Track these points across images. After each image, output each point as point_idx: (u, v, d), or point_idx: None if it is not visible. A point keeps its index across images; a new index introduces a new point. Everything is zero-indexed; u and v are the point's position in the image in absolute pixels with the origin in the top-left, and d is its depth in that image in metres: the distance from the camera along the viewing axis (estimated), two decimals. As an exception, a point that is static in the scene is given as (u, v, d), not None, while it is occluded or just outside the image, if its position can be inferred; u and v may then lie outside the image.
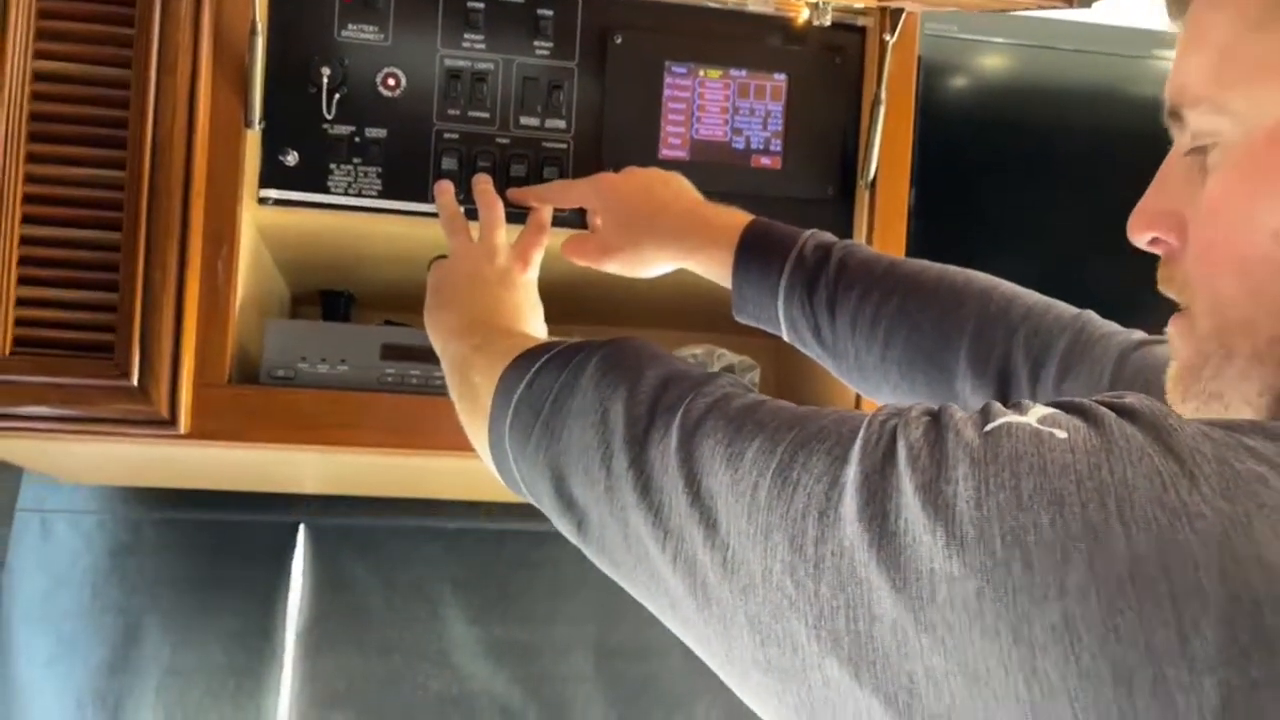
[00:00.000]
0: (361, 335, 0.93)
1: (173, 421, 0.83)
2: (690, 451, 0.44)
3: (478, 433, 0.65)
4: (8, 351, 0.79)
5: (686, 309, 1.02)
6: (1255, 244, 0.42)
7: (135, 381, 0.81)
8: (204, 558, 1.36)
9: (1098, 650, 0.30)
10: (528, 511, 1.42)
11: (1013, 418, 0.36)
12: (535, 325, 0.81)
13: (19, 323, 0.79)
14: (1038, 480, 0.33)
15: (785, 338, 0.83)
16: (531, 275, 0.83)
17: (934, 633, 0.33)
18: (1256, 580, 0.30)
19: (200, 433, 0.85)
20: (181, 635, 1.35)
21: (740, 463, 0.42)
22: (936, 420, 0.38)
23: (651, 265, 0.85)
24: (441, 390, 0.92)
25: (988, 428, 0.36)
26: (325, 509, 1.39)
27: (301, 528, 1.38)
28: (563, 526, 0.56)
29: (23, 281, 0.79)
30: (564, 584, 1.44)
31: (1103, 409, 0.36)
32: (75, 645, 1.33)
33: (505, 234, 0.84)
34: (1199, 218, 0.44)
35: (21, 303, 0.79)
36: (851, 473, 0.37)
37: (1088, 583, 0.31)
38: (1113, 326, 0.70)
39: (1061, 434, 0.34)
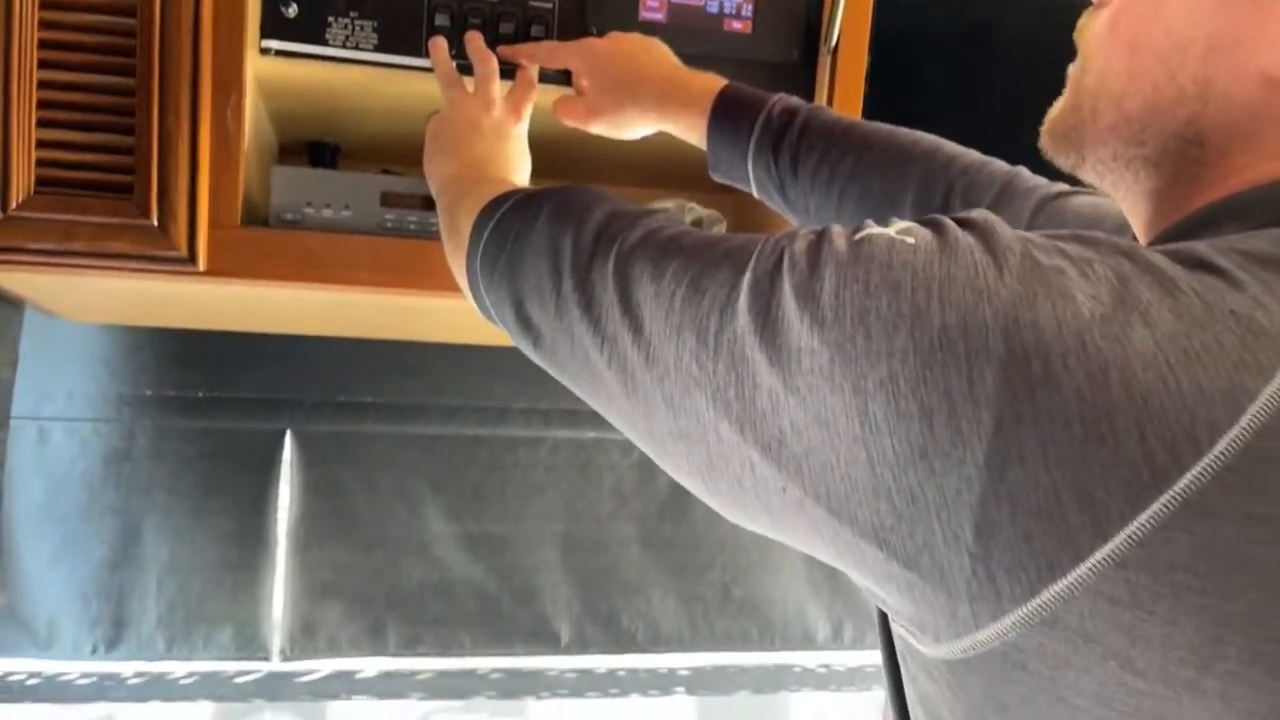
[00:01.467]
0: (363, 183, 0.93)
1: (192, 259, 0.83)
2: (624, 272, 0.50)
3: (458, 268, 0.69)
4: (32, 190, 0.79)
5: (663, 167, 1.04)
6: (1151, 33, 0.46)
7: (155, 221, 0.81)
8: (196, 463, 1.35)
9: (910, 395, 0.36)
10: (500, 419, 1.45)
11: (876, 230, 0.41)
12: (523, 174, 0.83)
13: (40, 163, 0.79)
14: (882, 274, 0.38)
15: (755, 194, 0.86)
16: (522, 128, 0.85)
17: (798, 394, 0.39)
18: (1029, 340, 0.35)
19: (218, 271, 0.86)
20: (178, 535, 1.34)
21: (662, 278, 0.47)
22: (819, 236, 0.43)
23: (633, 127, 0.88)
24: (437, 235, 0.95)
25: (856, 237, 0.41)
26: (310, 416, 1.39)
27: (288, 434, 1.39)
28: (521, 344, 0.61)
29: (42, 124, 0.79)
30: (532, 485, 1.47)
31: (949, 221, 0.41)
32: (77, 545, 1.31)
33: (499, 87, 0.85)
34: None
35: (42, 144, 0.79)
36: (746, 278, 0.43)
37: (908, 347, 0.36)
38: (1040, 180, 0.75)
39: (910, 240, 0.39)
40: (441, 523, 1.44)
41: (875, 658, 1.62)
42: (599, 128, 0.88)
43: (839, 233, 0.42)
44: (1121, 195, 0.51)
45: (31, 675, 1.29)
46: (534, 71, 0.88)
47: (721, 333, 0.43)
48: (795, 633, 1.56)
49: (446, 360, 1.42)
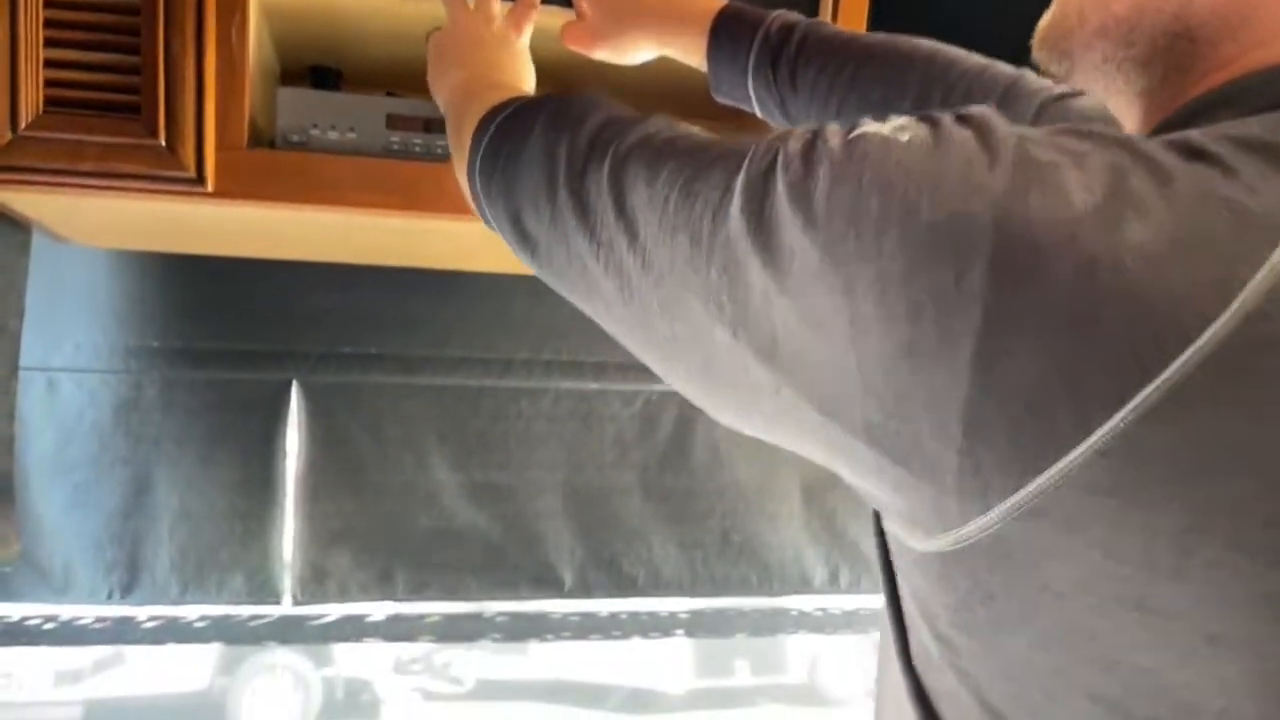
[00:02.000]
0: (368, 105, 0.93)
1: (200, 180, 0.84)
2: (619, 177, 0.49)
3: (462, 180, 0.67)
4: (41, 110, 0.80)
5: (666, 92, 1.03)
6: None
7: (163, 141, 0.82)
8: (203, 414, 1.36)
9: (899, 295, 0.36)
10: (503, 370, 1.46)
11: (871, 128, 0.40)
12: (528, 82, 0.82)
13: (49, 84, 0.80)
14: (875, 172, 0.38)
15: (758, 113, 0.86)
16: (524, 41, 0.84)
17: (790, 295, 0.39)
18: (1018, 233, 0.34)
19: (226, 192, 0.86)
20: (188, 484, 1.35)
21: (656, 182, 0.47)
22: (814, 135, 0.42)
23: (635, 52, 0.87)
24: (443, 158, 0.95)
25: (850, 136, 0.40)
26: (316, 368, 1.40)
27: (294, 385, 1.40)
28: (520, 254, 0.60)
29: (50, 44, 0.79)
30: (535, 435, 1.48)
31: (946, 116, 0.40)
32: (89, 493, 1.32)
33: (500, 5, 0.85)
34: None
35: (50, 64, 0.79)
36: (740, 180, 0.42)
37: (897, 247, 0.36)
38: (1045, 83, 0.73)
39: (905, 136, 0.38)
40: (447, 472, 1.45)
41: (872, 602, 1.64)
42: (602, 53, 0.88)
43: (834, 131, 0.41)
44: (1114, 99, 0.51)
45: (48, 619, 1.30)
46: None
47: (715, 235, 0.42)
48: (792, 577, 1.57)
49: (450, 313, 1.44)
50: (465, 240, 1.07)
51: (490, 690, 5.65)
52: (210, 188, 0.85)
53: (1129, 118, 0.51)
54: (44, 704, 4.66)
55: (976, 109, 0.40)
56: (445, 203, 0.92)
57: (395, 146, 0.94)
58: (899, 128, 0.40)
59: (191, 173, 0.84)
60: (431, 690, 5.72)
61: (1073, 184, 0.35)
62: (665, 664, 5.54)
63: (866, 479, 0.41)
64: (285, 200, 0.89)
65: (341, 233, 1.08)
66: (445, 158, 0.95)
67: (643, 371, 1.54)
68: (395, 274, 1.40)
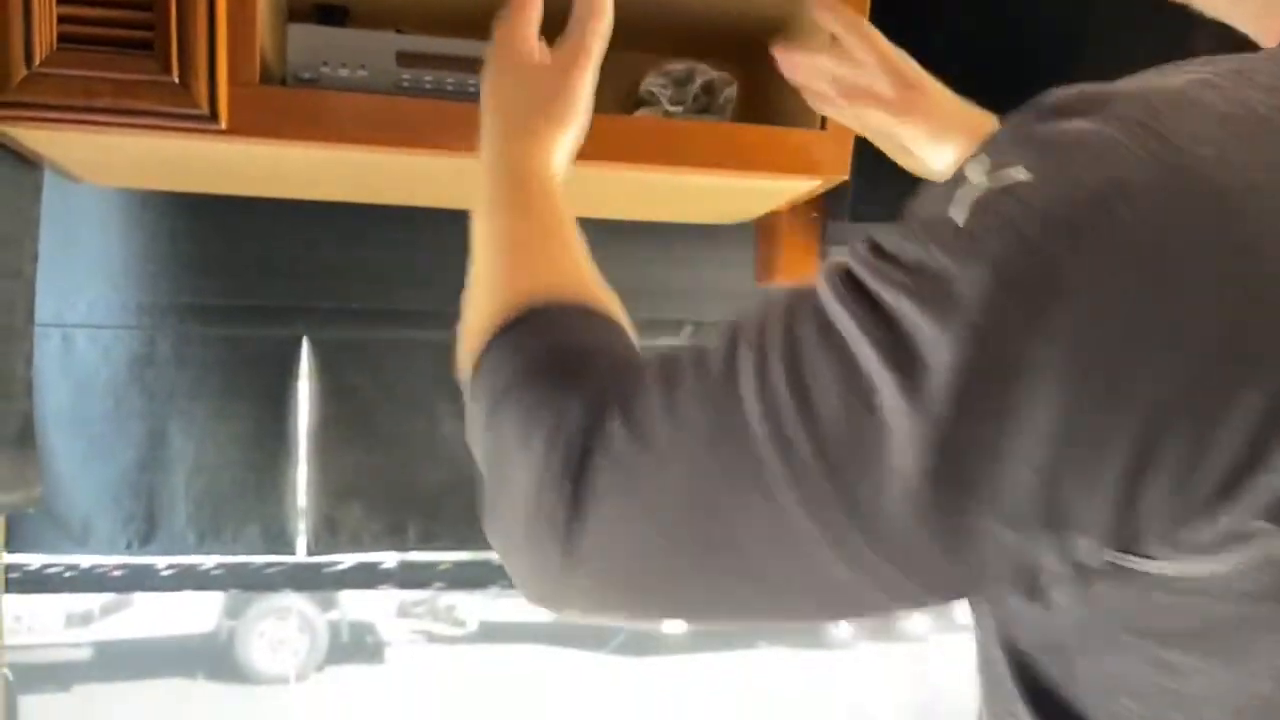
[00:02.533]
0: (378, 42, 0.92)
1: (214, 117, 0.84)
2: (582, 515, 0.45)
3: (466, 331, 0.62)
4: (54, 46, 0.80)
5: (673, 31, 1.04)
6: None
7: (176, 78, 0.82)
8: (216, 369, 1.37)
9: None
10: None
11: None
12: (560, 128, 0.72)
13: (62, 20, 0.79)
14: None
15: None
16: (583, 75, 0.72)
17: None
18: None
19: (239, 129, 0.86)
20: (202, 438, 1.37)
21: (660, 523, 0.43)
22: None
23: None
24: (454, 95, 0.95)
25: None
26: (326, 323, 1.42)
27: (305, 341, 1.42)
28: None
29: (62, -24, 0.79)
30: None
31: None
32: (106, 446, 1.34)
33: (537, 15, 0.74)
34: None
35: (64, 0, 0.79)
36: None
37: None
38: None
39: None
40: (455, 425, 1.48)
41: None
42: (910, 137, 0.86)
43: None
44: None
45: (69, 568, 1.34)
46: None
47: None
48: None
49: (457, 269, 1.44)
50: (476, 178, 1.08)
51: (493, 633, 5.77)
52: (223, 124, 0.86)
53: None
54: (55, 646, 4.76)
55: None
56: (458, 141, 0.92)
57: (406, 84, 0.94)
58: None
59: (204, 109, 0.84)
60: (435, 633, 5.84)
61: None
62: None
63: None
64: (298, 138, 0.90)
65: (354, 171, 1.08)
66: (456, 95, 0.95)
67: (649, 326, 1.56)
68: (402, 228, 1.40)
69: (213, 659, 5.24)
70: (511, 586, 1.39)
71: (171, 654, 5.14)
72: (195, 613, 5.20)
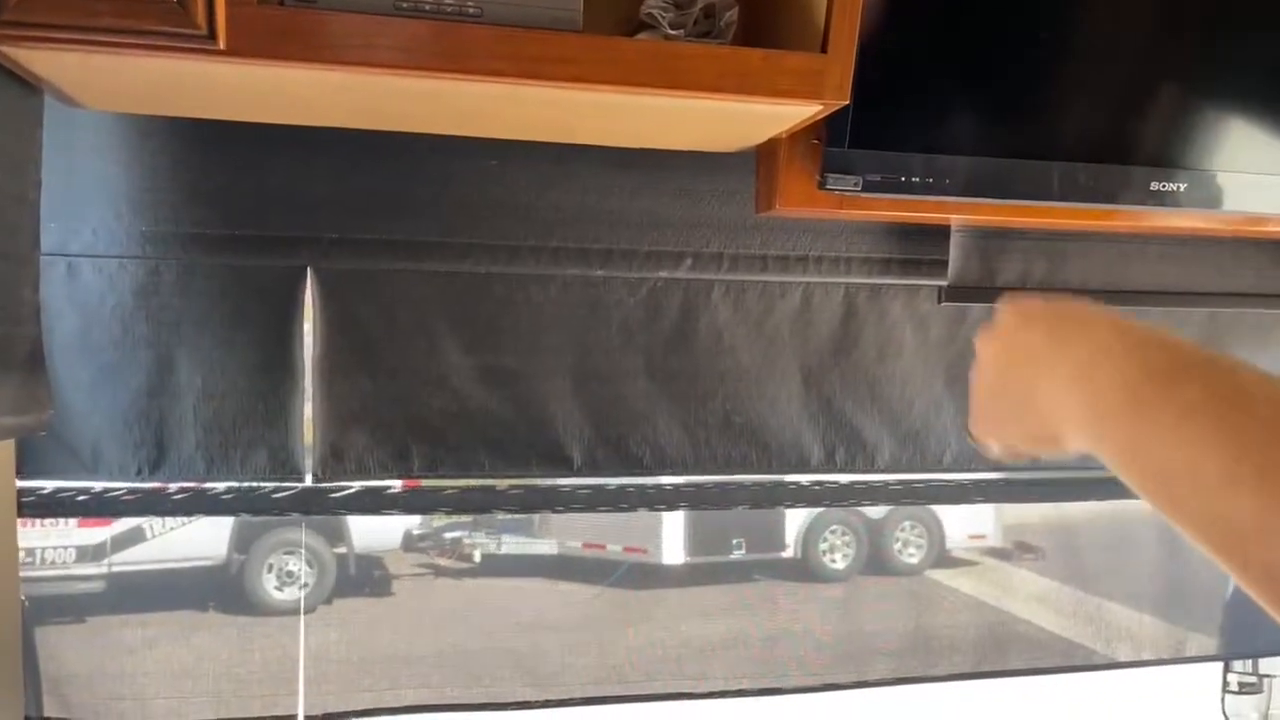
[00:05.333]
0: None
1: (211, 37, 0.84)
2: None
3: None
4: None
5: None
6: None
7: None
8: (221, 298, 1.38)
9: None
10: (511, 257, 1.48)
11: None
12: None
13: None
14: None
15: None
16: None
17: None
18: None
19: (237, 50, 0.86)
20: (209, 366, 1.39)
21: None
22: None
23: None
24: (452, 17, 0.95)
25: None
26: (328, 254, 1.42)
27: (308, 271, 1.42)
28: None
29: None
30: (543, 320, 1.51)
31: None
32: (114, 374, 1.35)
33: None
34: None
35: None
36: None
37: None
38: None
39: None
40: (459, 355, 1.48)
41: (866, 478, 1.70)
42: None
43: None
44: None
45: (81, 493, 1.36)
46: None
47: None
48: (791, 457, 1.63)
49: (458, 199, 1.44)
50: (478, 103, 1.07)
51: (498, 566, 5.86)
52: (221, 45, 0.85)
53: None
54: (68, 578, 4.83)
55: None
56: (460, 62, 0.93)
57: (404, 5, 0.93)
58: None
59: (203, 29, 0.84)
60: (442, 566, 5.93)
61: None
62: (665, 541, 5.73)
63: None
64: (296, 59, 0.89)
65: (355, 97, 1.07)
66: (454, 17, 0.95)
67: (647, 259, 1.57)
68: (407, 156, 1.40)
69: (223, 591, 5.32)
70: (514, 511, 1.41)
71: (182, 586, 5.21)
72: (205, 546, 5.27)
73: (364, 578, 5.80)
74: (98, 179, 1.32)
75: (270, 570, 5.44)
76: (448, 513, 1.50)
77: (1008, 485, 1.79)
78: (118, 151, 1.33)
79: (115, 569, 5.07)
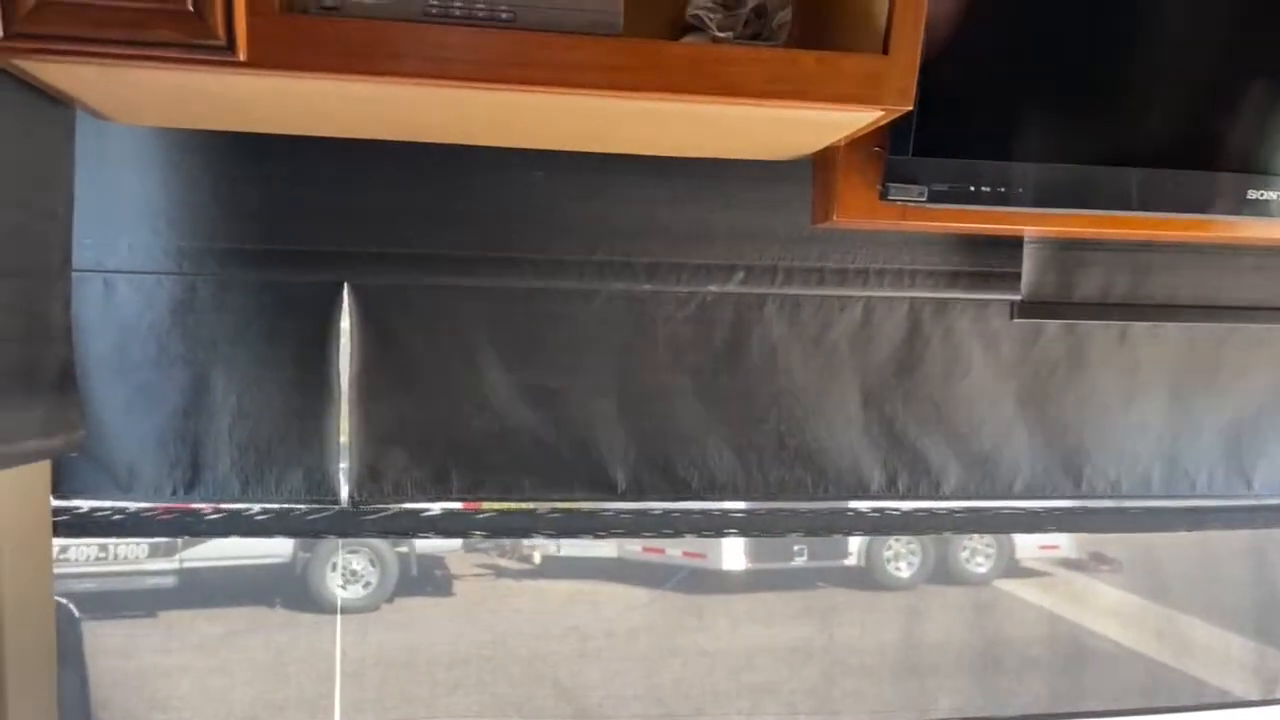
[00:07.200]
0: None
1: (230, 47, 0.79)
2: None
3: None
4: None
5: None
6: None
7: (191, 5, 0.77)
8: (257, 315, 1.34)
9: None
10: (553, 271, 1.41)
11: None
12: None
13: None
14: None
15: None
16: None
17: None
18: None
19: (258, 61, 0.81)
20: (244, 384, 1.35)
21: None
22: None
23: None
24: (484, 22, 0.88)
25: None
26: (367, 268, 1.37)
27: (346, 287, 1.37)
28: None
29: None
30: (587, 337, 1.44)
31: None
32: (149, 392, 1.32)
33: None
34: None
35: None
36: None
37: None
38: None
39: None
40: (499, 373, 1.42)
41: (930, 505, 1.60)
42: None
43: None
44: None
45: (116, 512, 1.34)
46: None
47: None
48: (849, 482, 1.53)
49: (499, 212, 1.38)
50: (505, 112, 1.01)
51: (557, 568, 5.86)
52: (241, 55, 0.81)
53: None
54: (140, 574, 4.96)
55: None
56: (486, 71, 0.86)
57: (433, 10, 0.88)
58: None
59: (221, 39, 0.79)
60: (502, 567, 5.95)
61: None
62: (726, 546, 5.66)
63: None
64: (319, 70, 0.84)
65: (385, 108, 1.02)
66: (487, 22, 0.89)
67: (697, 272, 1.49)
68: (443, 171, 1.35)
69: (288, 588, 5.42)
70: (553, 535, 1.34)
71: (249, 583, 5.32)
72: (272, 544, 5.37)
73: (425, 577, 5.86)
74: (135, 193, 1.30)
75: (334, 569, 5.52)
76: (485, 536, 1.43)
77: (1086, 514, 1.66)
78: (154, 165, 1.30)
79: (186, 564, 5.21)
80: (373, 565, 5.70)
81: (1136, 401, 1.60)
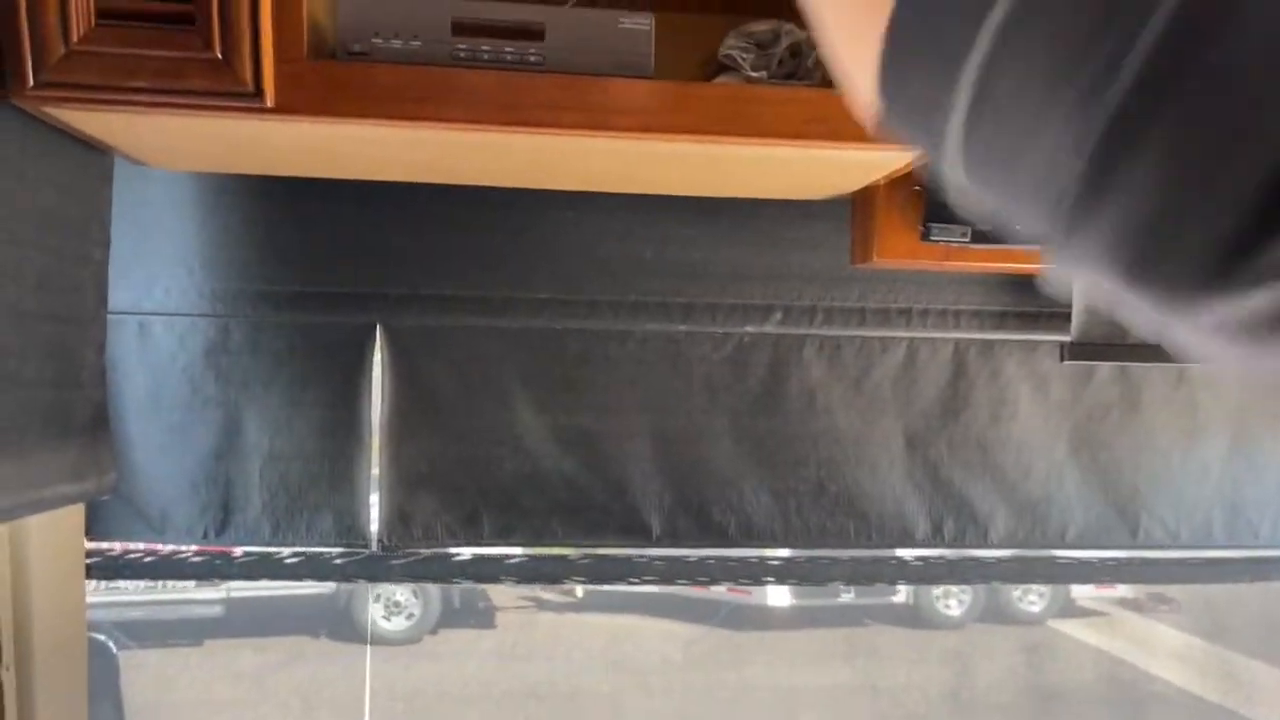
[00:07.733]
0: (432, 8, 0.86)
1: (258, 94, 0.79)
2: None
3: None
4: (94, 23, 0.76)
5: None
6: None
7: (219, 54, 0.77)
8: (290, 357, 1.34)
9: None
10: (588, 312, 1.39)
11: None
12: None
13: None
14: None
15: None
16: None
17: None
18: None
19: (286, 107, 0.81)
20: (276, 427, 1.34)
21: None
22: None
23: None
24: (513, 66, 0.87)
25: None
26: (399, 310, 1.36)
27: (378, 328, 1.36)
28: None
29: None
30: (622, 378, 1.41)
31: None
32: (183, 435, 1.32)
33: None
34: None
35: None
36: None
37: None
38: None
39: None
40: (532, 415, 1.40)
41: (978, 554, 1.53)
42: None
43: None
44: None
45: (148, 554, 1.33)
46: None
47: None
48: (893, 530, 1.47)
49: (532, 253, 1.37)
50: (541, 156, 0.99)
51: (601, 602, 5.81)
52: (269, 102, 0.80)
53: None
54: (188, 603, 5.02)
55: None
56: (518, 114, 0.85)
57: (463, 54, 0.86)
58: None
59: (249, 87, 0.79)
60: (544, 600, 5.92)
61: None
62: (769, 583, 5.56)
63: None
64: (348, 115, 0.84)
65: (417, 151, 1.01)
66: (515, 65, 0.87)
67: (733, 313, 1.45)
68: (476, 212, 1.33)
69: (332, 619, 5.43)
70: (585, 581, 1.30)
71: (294, 614, 5.35)
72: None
73: (468, 609, 5.84)
74: (170, 236, 1.30)
75: (378, 600, 5.53)
76: (517, 581, 1.40)
77: (1144, 565, 1.58)
78: (190, 209, 1.30)
79: (233, 594, 5.26)
80: (416, 597, 5.70)
81: (1196, 446, 1.52)
